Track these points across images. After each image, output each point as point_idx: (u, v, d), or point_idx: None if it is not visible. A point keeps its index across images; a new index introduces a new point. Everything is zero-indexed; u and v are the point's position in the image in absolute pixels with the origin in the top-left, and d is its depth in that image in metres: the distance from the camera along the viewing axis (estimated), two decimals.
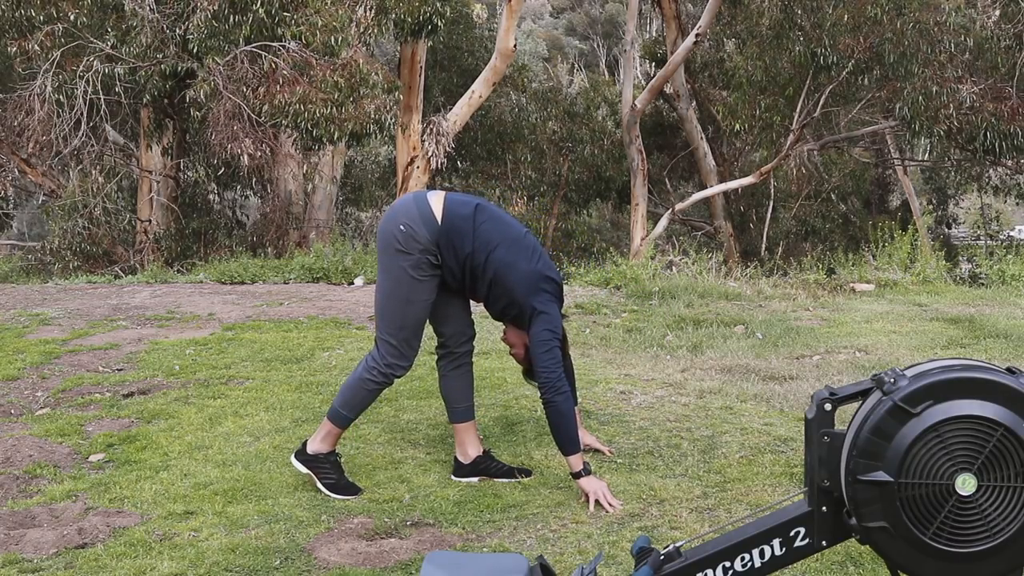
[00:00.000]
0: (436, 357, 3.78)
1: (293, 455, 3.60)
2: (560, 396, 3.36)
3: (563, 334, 3.55)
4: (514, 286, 3.42)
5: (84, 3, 11.23)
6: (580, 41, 41.25)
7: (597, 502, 3.30)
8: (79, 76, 11.00)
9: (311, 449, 3.54)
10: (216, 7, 10.62)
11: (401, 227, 3.39)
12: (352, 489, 3.50)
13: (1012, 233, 21.68)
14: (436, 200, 3.44)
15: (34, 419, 4.57)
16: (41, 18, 11.26)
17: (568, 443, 3.38)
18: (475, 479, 3.62)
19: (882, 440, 1.91)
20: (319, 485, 3.51)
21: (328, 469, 3.52)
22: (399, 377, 3.55)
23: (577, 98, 20.22)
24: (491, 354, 5.56)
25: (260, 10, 10.61)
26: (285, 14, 10.83)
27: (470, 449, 3.67)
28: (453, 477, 3.65)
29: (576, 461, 3.37)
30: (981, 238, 19.76)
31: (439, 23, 12.70)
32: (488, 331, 5.55)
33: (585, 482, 3.35)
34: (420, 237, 3.37)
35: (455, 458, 3.70)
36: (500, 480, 3.61)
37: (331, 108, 10.73)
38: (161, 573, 2.89)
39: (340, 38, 10.93)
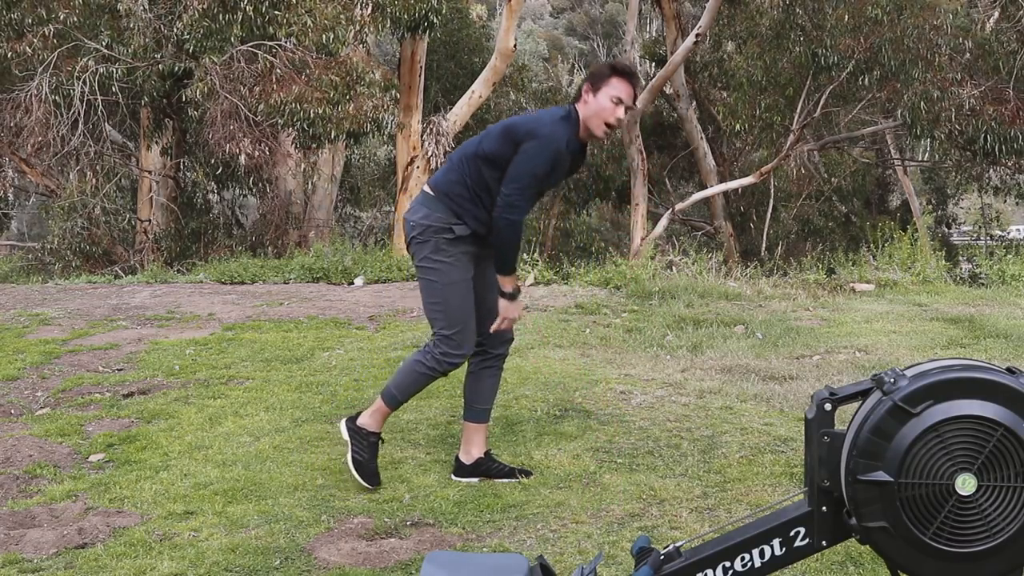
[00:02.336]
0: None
1: (344, 419, 3.65)
2: (516, 218, 3.34)
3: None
4: (494, 153, 3.41)
5: (75, 3, 11.21)
6: (580, 41, 41.23)
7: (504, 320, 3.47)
8: (75, 77, 10.99)
9: (360, 421, 3.59)
10: (206, 5, 10.61)
11: (410, 222, 3.53)
12: (373, 478, 3.52)
13: (1009, 234, 21.66)
14: (425, 184, 3.61)
15: (34, 419, 4.57)
16: (30, 21, 11.24)
17: (503, 264, 3.44)
18: (475, 479, 3.63)
19: (882, 440, 1.91)
20: (348, 456, 3.55)
21: (364, 447, 3.56)
22: (454, 367, 3.55)
23: None
24: None
25: (248, 8, 10.60)
26: (276, 12, 10.82)
27: (474, 449, 3.67)
28: (453, 477, 3.65)
29: (507, 283, 3.45)
30: (981, 238, 19.78)
31: (435, 20, 12.70)
32: None
33: (504, 303, 3.46)
34: (427, 218, 3.47)
35: (456, 457, 3.70)
36: (500, 480, 3.61)
37: (327, 107, 10.74)
38: (161, 573, 2.88)
39: (333, 36, 10.94)
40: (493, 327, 3.51)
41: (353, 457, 3.53)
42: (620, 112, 3.35)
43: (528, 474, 3.65)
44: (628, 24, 17.34)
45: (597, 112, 3.35)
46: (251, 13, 10.65)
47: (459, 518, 3.27)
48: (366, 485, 3.49)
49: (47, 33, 11.12)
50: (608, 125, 3.38)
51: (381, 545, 3.08)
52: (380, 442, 3.62)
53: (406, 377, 3.56)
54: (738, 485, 3.50)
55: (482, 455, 3.68)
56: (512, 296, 3.48)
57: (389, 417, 3.69)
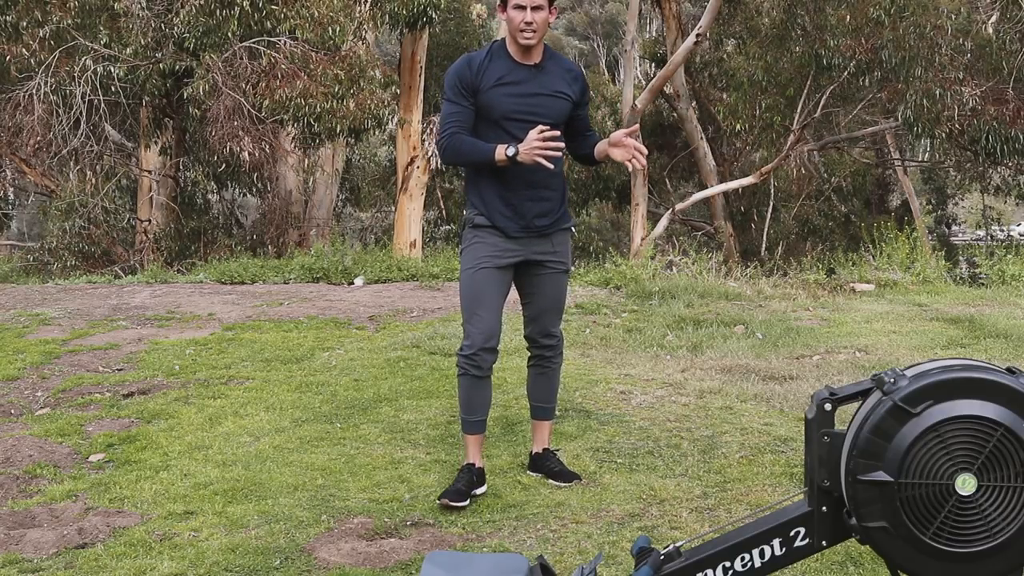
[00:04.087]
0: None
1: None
2: (444, 140, 3.40)
3: None
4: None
5: (71, 5, 11.19)
6: (580, 41, 41.20)
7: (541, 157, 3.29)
8: (75, 77, 10.98)
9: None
10: (202, 1, 10.60)
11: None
12: (459, 496, 3.36)
13: (1011, 232, 21.66)
14: None
15: (34, 419, 4.57)
16: (24, 23, 11.22)
17: (480, 157, 3.38)
18: (535, 475, 3.69)
19: (882, 440, 1.91)
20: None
21: (458, 478, 3.47)
22: (469, 361, 3.41)
23: None
24: None
25: (245, 2, 10.59)
26: (273, 7, 10.80)
27: (533, 446, 3.72)
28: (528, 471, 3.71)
29: (498, 155, 3.31)
30: (982, 238, 19.78)
31: (434, 15, 12.69)
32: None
33: (522, 157, 3.29)
34: (465, 213, 3.55)
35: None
36: (553, 481, 3.60)
37: (331, 101, 10.74)
38: (161, 573, 2.88)
39: (337, 29, 10.92)
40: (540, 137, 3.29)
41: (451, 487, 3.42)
42: (527, 16, 3.36)
43: (579, 479, 3.60)
44: (628, 24, 17.33)
45: (509, 24, 3.42)
46: (248, 8, 10.64)
47: (459, 518, 3.26)
48: (451, 504, 3.33)
49: (44, 35, 11.09)
50: (523, 32, 3.39)
51: (381, 545, 3.08)
52: (472, 471, 3.48)
53: (458, 391, 3.52)
54: (738, 485, 3.50)
55: (538, 451, 3.68)
56: (511, 160, 3.31)
57: (479, 442, 3.56)
